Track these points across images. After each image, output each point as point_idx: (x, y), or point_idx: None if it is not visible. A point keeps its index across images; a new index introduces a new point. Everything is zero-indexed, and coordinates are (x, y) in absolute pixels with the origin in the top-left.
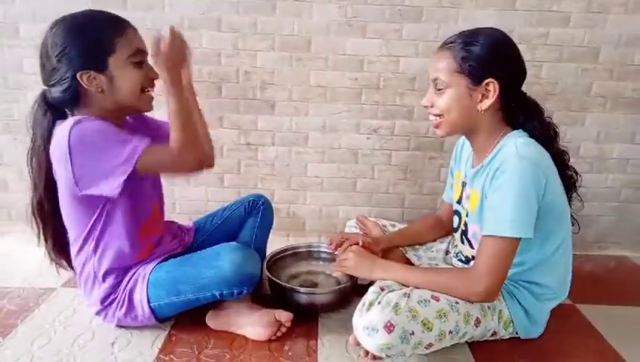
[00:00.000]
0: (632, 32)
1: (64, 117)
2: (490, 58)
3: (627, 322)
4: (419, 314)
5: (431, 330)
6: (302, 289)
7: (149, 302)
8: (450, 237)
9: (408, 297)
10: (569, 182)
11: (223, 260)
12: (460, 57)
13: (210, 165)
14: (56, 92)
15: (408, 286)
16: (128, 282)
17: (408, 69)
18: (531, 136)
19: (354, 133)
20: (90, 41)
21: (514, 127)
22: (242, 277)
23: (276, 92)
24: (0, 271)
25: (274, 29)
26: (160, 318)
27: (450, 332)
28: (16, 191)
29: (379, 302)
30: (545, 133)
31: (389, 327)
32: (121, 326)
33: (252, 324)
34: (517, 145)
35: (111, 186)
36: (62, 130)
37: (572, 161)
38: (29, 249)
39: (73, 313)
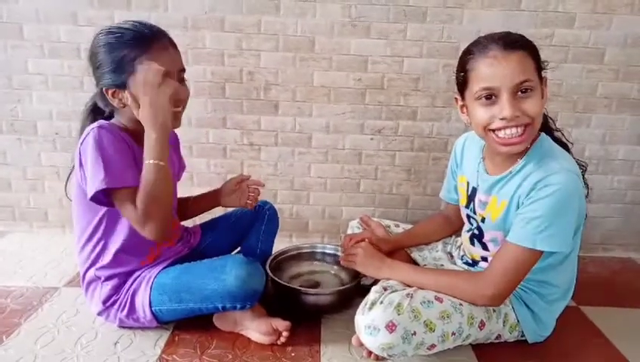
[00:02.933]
0: (637, 32)
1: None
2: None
3: (632, 324)
4: (421, 314)
5: (433, 331)
6: (304, 290)
7: (150, 305)
8: (452, 238)
9: (411, 297)
10: None
11: (228, 274)
12: (534, 55)
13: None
14: (98, 99)
15: (413, 287)
16: (132, 284)
17: (412, 70)
18: (553, 140)
19: (358, 133)
20: (113, 61)
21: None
22: (246, 293)
23: (280, 92)
24: (3, 270)
25: (278, 29)
26: (161, 322)
27: (453, 333)
28: (19, 190)
29: (381, 302)
30: (561, 138)
31: (391, 327)
32: (123, 327)
33: (253, 330)
34: (559, 157)
35: (89, 191)
36: (84, 135)
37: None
38: (32, 248)
39: (76, 312)
